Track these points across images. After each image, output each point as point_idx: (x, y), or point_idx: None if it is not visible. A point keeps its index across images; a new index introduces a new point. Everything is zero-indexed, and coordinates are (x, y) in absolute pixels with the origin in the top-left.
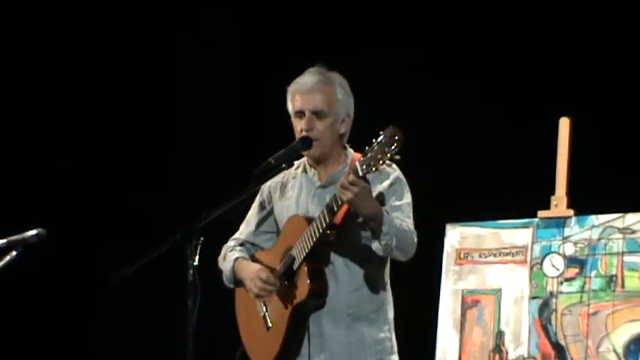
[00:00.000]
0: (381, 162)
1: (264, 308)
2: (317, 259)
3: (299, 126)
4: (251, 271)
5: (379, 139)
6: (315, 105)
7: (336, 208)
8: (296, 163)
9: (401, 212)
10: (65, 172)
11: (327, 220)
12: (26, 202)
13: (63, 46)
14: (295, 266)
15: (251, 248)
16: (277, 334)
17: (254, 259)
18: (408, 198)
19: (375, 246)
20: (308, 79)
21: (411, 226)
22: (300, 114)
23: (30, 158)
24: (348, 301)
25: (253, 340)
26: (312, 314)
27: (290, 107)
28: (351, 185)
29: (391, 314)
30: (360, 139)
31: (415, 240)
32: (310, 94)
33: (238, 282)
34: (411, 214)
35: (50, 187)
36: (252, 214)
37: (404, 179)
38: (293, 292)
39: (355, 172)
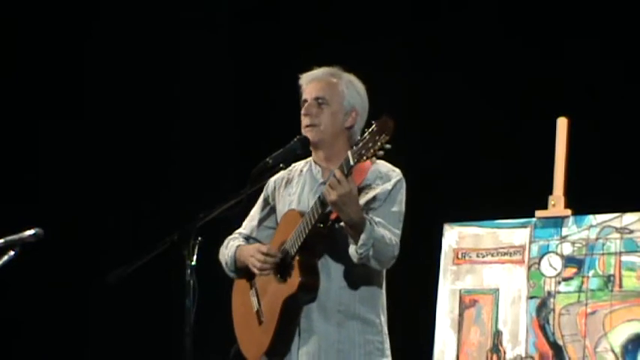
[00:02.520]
0: (372, 151)
1: (257, 304)
2: (309, 253)
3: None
4: (251, 249)
5: (371, 129)
6: (317, 93)
7: (325, 204)
8: (303, 161)
9: (390, 221)
10: (62, 171)
11: (319, 212)
12: (24, 202)
13: (63, 47)
14: (288, 259)
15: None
16: (268, 328)
17: None
18: (401, 206)
19: (351, 251)
20: (317, 71)
21: (395, 238)
22: (305, 103)
23: (27, 158)
24: (339, 297)
25: (246, 336)
26: (304, 309)
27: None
28: (338, 184)
29: (384, 316)
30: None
31: (395, 253)
32: (314, 83)
33: (239, 270)
34: (400, 224)
35: (47, 186)
36: (256, 210)
37: (404, 185)
38: (285, 286)
39: (346, 161)
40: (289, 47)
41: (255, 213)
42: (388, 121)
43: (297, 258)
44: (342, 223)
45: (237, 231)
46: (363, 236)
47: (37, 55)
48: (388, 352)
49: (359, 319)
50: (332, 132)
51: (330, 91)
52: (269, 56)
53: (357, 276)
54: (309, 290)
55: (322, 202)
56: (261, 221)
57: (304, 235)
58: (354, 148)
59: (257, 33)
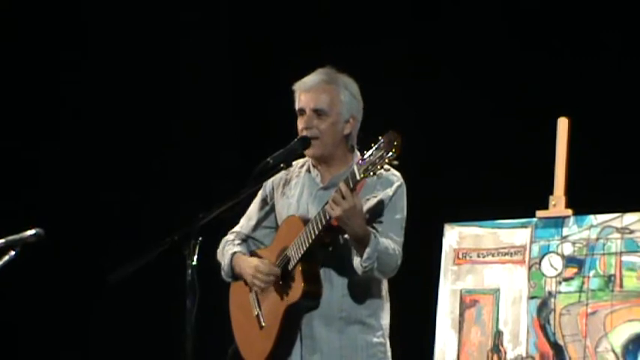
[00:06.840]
0: (379, 167)
1: (257, 307)
2: (312, 261)
3: (300, 124)
4: (250, 266)
5: (378, 144)
6: (316, 103)
7: (329, 217)
8: (301, 161)
9: (393, 229)
10: (63, 171)
11: (323, 223)
12: (24, 202)
13: (60, 45)
14: (290, 267)
15: (251, 243)
16: (270, 334)
17: (252, 256)
18: (403, 212)
19: (355, 264)
20: (312, 78)
21: (398, 247)
22: (301, 112)
23: (28, 158)
24: (340, 305)
25: (246, 339)
26: (305, 316)
27: (295, 106)
28: (343, 200)
29: (386, 320)
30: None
31: (399, 262)
32: (312, 93)
33: (236, 276)
34: (402, 231)
35: (48, 186)
36: (254, 209)
37: (405, 189)
38: (287, 293)
39: (352, 175)
40: (289, 47)
41: (252, 212)
42: (396, 137)
43: (299, 266)
44: (346, 235)
45: (234, 230)
46: (368, 250)
47: (36, 52)
48: (389, 353)
49: (360, 324)
50: (332, 143)
51: (329, 102)
52: (269, 56)
53: (359, 283)
54: (312, 298)
55: (326, 213)
56: (258, 220)
57: (307, 244)
58: (361, 162)
59: (256, 32)
